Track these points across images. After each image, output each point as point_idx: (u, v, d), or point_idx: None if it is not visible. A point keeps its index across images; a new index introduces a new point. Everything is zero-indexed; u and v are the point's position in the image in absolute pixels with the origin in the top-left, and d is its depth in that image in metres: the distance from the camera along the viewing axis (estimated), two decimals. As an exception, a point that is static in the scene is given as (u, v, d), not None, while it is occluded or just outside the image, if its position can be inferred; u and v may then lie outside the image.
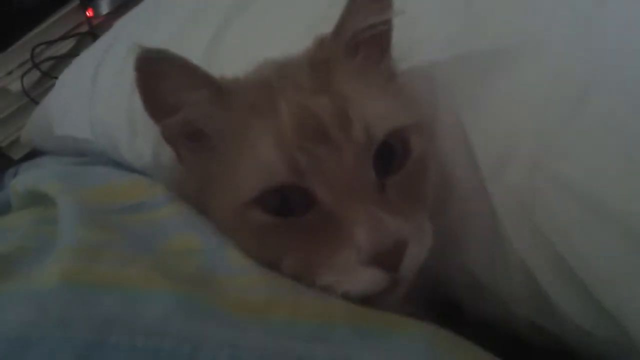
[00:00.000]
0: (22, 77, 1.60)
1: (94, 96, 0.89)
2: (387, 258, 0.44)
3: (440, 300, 0.59)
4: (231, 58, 0.64)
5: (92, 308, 0.37)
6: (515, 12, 0.55)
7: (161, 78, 0.48)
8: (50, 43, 1.65)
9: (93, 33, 1.64)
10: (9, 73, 1.65)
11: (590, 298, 0.45)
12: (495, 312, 0.56)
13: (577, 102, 0.48)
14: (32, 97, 1.60)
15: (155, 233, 0.48)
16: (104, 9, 1.66)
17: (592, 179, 0.46)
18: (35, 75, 1.64)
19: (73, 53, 1.58)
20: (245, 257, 0.46)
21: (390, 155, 0.49)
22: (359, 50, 0.53)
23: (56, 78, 1.27)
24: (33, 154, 1.35)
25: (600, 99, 0.47)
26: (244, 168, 0.48)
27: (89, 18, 1.66)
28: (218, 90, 0.49)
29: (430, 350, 0.41)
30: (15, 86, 1.61)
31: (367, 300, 0.45)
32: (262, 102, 0.49)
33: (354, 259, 0.44)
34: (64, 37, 1.67)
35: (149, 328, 0.36)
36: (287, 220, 0.46)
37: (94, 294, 0.38)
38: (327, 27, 0.54)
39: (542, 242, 0.48)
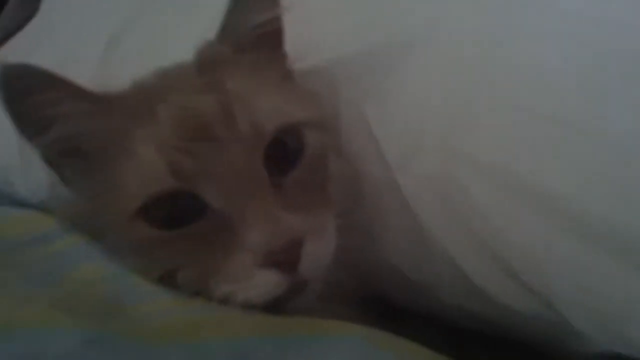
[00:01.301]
0: None
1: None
2: (283, 257, 0.41)
3: (375, 298, 0.57)
4: (124, 76, 0.61)
5: None
6: (408, 4, 0.55)
7: (28, 94, 0.45)
8: None
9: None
10: None
11: (515, 277, 0.45)
12: (427, 304, 0.55)
13: (477, 84, 0.48)
14: None
15: (52, 267, 0.44)
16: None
17: (500, 156, 0.46)
18: None
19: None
20: (153, 283, 0.43)
21: (285, 153, 0.47)
22: (247, 49, 0.51)
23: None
24: None
25: (499, 79, 0.47)
26: (124, 180, 0.45)
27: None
28: (92, 101, 0.47)
29: (362, 350, 0.39)
30: None
31: (280, 308, 0.43)
32: (142, 109, 0.46)
33: (249, 262, 0.41)
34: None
35: None
36: (177, 231, 0.44)
37: None
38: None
39: (461, 227, 0.48)
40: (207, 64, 0.50)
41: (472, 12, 0.51)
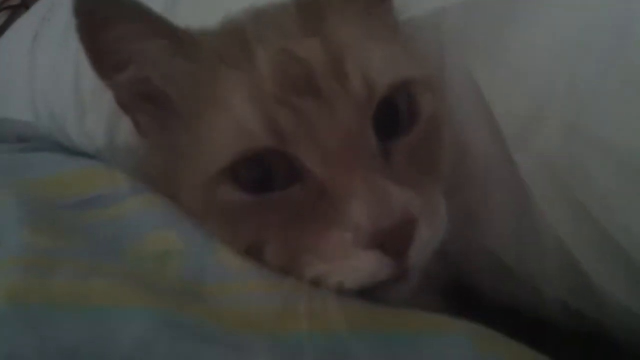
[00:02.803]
0: (-52, 56, 1.46)
1: (34, 72, 0.79)
2: (393, 238, 0.36)
3: (455, 284, 0.52)
4: (195, 12, 0.55)
5: (49, 336, 0.29)
6: None
7: (108, 25, 0.41)
8: (-21, 17, 1.52)
9: (26, 5, 1.51)
10: None
11: (636, 273, 0.40)
12: (521, 296, 0.50)
13: (614, 56, 0.41)
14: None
15: (122, 232, 0.40)
16: (37, -22, 1.53)
17: (636, 143, 0.39)
18: (-37, 53, 1.50)
19: (5, 28, 1.46)
20: (239, 257, 0.38)
21: (395, 115, 0.41)
22: None
23: (-12, 55, 1.14)
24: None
25: (631, 55, 0.40)
26: (213, 132, 0.40)
27: (20, -11, 1.53)
28: (179, 39, 0.42)
29: (475, 353, 0.35)
30: (-59, 67, 1.48)
31: (372, 295, 0.38)
32: (235, 51, 0.41)
33: (350, 240, 0.36)
34: (-6, 11, 1.54)
35: (126, 357, 0.29)
36: (267, 196, 0.39)
37: (51, 317, 0.30)
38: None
39: (581, 216, 0.42)
40: (310, 6, 0.44)
41: None
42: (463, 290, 0.53)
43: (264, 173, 0.39)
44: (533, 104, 0.44)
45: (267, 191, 0.38)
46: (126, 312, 0.31)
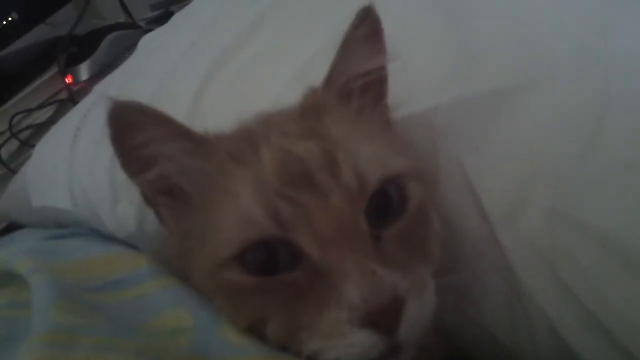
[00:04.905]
0: (-1, 147, 1.56)
1: (73, 163, 0.84)
2: (382, 317, 0.38)
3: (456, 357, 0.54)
4: (215, 112, 0.61)
5: None
6: (513, 50, 0.52)
7: (134, 131, 0.45)
8: (28, 111, 1.61)
9: (73, 100, 1.60)
10: (-13, 144, 1.61)
11: (627, 355, 0.41)
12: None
13: (591, 141, 0.45)
14: (11, 167, 1.55)
15: (139, 311, 0.43)
16: (84, 75, 1.63)
17: (615, 223, 0.42)
18: (14, 144, 1.59)
19: (52, 121, 1.54)
20: (241, 334, 0.41)
21: (386, 204, 0.45)
22: (353, 97, 0.49)
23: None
24: (11, 228, 1.28)
25: (615, 137, 0.44)
26: (222, 222, 0.44)
27: (68, 85, 1.62)
28: (195, 142, 0.46)
29: None
30: (-7, 157, 1.56)
31: None
32: (244, 151, 0.45)
33: (344, 318, 0.39)
34: (42, 105, 1.64)
35: None
36: (271, 279, 0.42)
37: None
38: (315, 76, 0.51)
39: (568, 296, 0.44)
40: (312, 110, 0.49)
41: (581, 66, 0.48)
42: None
43: (268, 258, 0.42)
44: (517, 189, 0.47)
45: (271, 274, 0.42)
46: None
